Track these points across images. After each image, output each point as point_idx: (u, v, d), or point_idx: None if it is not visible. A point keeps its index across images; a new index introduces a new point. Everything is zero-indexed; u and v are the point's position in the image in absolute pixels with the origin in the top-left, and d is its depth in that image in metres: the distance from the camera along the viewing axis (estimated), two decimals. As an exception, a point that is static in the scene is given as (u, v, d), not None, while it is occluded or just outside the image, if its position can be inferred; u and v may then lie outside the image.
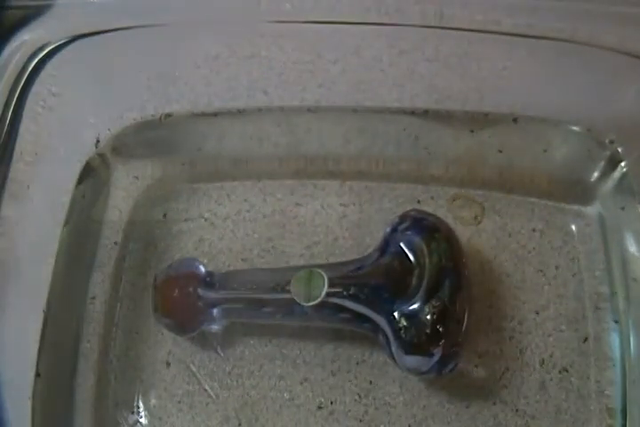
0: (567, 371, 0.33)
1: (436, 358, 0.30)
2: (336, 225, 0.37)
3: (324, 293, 0.31)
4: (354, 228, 0.37)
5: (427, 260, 0.32)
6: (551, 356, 0.34)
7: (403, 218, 0.34)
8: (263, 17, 0.33)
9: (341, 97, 0.37)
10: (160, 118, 0.38)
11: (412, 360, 0.31)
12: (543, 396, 0.33)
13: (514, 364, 0.34)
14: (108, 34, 0.33)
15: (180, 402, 0.34)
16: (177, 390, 0.34)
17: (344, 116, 0.38)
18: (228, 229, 0.37)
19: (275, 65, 0.36)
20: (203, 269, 0.35)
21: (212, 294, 0.33)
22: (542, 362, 0.34)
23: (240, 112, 0.38)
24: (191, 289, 0.34)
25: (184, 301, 0.34)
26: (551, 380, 0.33)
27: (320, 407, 0.34)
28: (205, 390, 0.34)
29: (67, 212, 0.35)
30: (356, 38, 0.35)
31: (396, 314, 0.31)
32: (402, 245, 0.33)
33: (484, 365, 0.34)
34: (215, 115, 0.38)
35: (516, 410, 0.33)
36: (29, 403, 0.31)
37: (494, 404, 0.33)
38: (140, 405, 0.34)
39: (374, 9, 0.32)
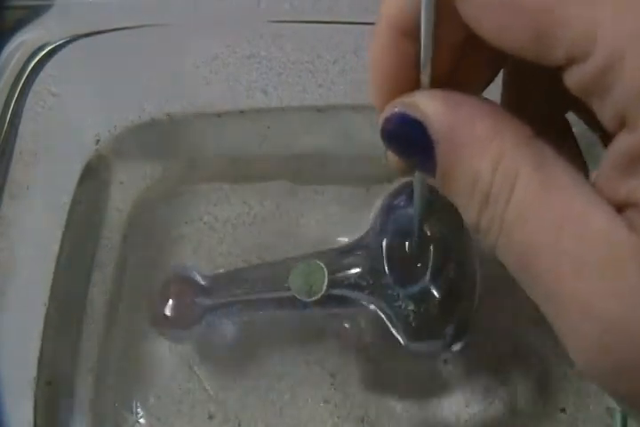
0: (567, 370, 0.33)
1: (447, 339, 0.29)
2: (336, 226, 0.37)
3: (325, 286, 0.30)
4: (354, 229, 0.37)
5: (428, 234, 0.28)
6: (550, 355, 0.34)
7: (395, 194, 0.30)
8: (263, 17, 0.33)
9: (341, 97, 0.37)
10: (160, 118, 0.38)
11: (422, 344, 0.30)
12: (543, 395, 0.33)
13: (514, 363, 0.34)
14: (108, 34, 0.33)
15: (179, 402, 0.34)
16: (176, 391, 0.34)
17: (344, 116, 0.38)
18: (227, 232, 0.37)
19: (274, 65, 0.36)
20: (199, 277, 0.33)
21: (209, 301, 0.32)
22: (542, 361, 0.34)
23: (240, 112, 0.38)
24: (188, 300, 0.32)
25: (181, 311, 0.33)
26: (550, 379, 0.33)
27: (320, 407, 0.34)
28: (205, 390, 0.34)
29: (67, 212, 0.35)
30: (355, 38, 0.35)
31: (401, 298, 0.28)
32: (398, 222, 0.29)
33: (484, 364, 0.34)
34: (215, 115, 0.38)
35: (516, 409, 0.33)
36: (30, 404, 0.31)
37: (493, 403, 0.33)
38: (140, 405, 0.34)
39: (374, 9, 0.32)
